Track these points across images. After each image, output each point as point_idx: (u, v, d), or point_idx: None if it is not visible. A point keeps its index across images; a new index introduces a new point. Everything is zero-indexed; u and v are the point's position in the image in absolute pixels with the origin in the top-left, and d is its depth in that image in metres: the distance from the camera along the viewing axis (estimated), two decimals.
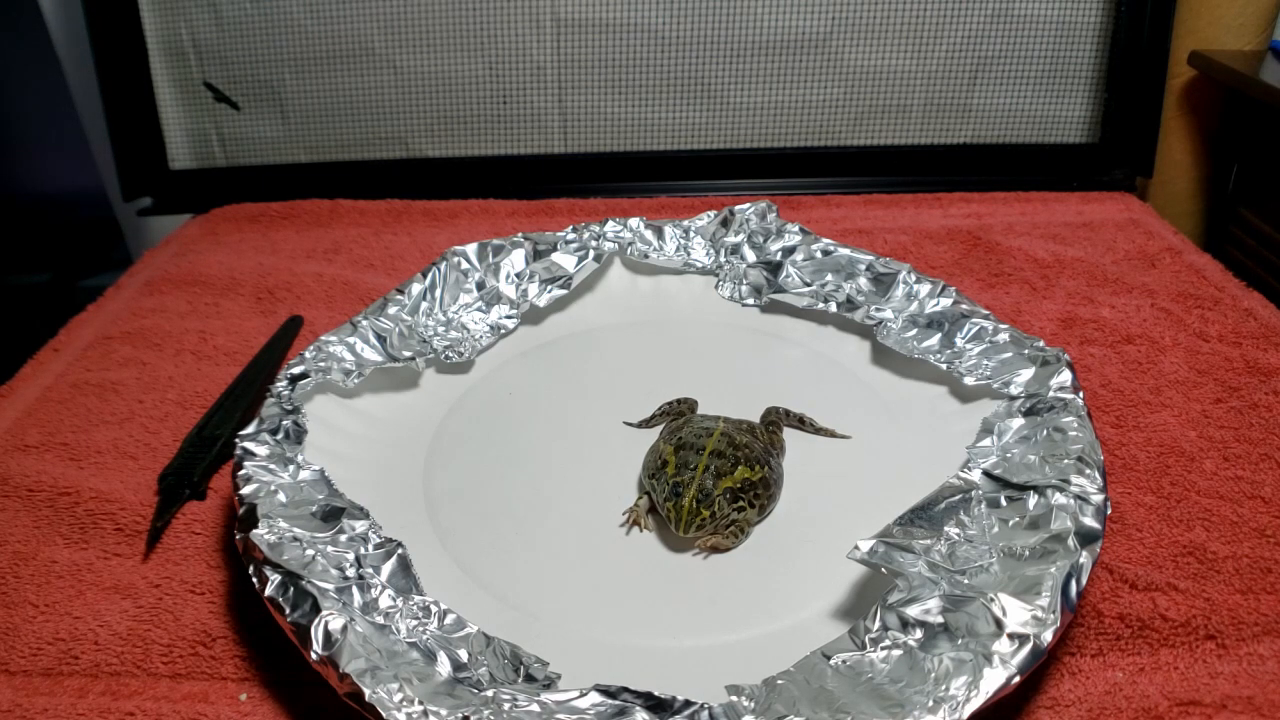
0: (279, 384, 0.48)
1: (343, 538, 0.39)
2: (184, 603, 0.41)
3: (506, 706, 0.32)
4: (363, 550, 0.39)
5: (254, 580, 0.36)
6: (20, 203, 0.86)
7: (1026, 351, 0.50)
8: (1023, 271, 0.68)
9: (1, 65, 0.84)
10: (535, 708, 0.32)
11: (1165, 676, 0.37)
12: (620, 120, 0.84)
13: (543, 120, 0.85)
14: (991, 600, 0.34)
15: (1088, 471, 0.40)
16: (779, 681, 0.34)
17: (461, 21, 0.81)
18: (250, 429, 0.44)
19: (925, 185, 0.83)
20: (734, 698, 0.32)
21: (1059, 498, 0.39)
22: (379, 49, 0.82)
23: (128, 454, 0.51)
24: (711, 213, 0.65)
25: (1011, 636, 0.33)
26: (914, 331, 0.55)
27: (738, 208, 0.65)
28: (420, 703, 0.31)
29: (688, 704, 0.32)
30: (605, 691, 0.32)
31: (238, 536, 0.39)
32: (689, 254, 0.64)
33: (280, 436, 0.45)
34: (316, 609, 0.34)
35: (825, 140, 0.85)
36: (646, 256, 0.63)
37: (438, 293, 0.58)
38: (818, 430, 0.51)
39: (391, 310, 0.56)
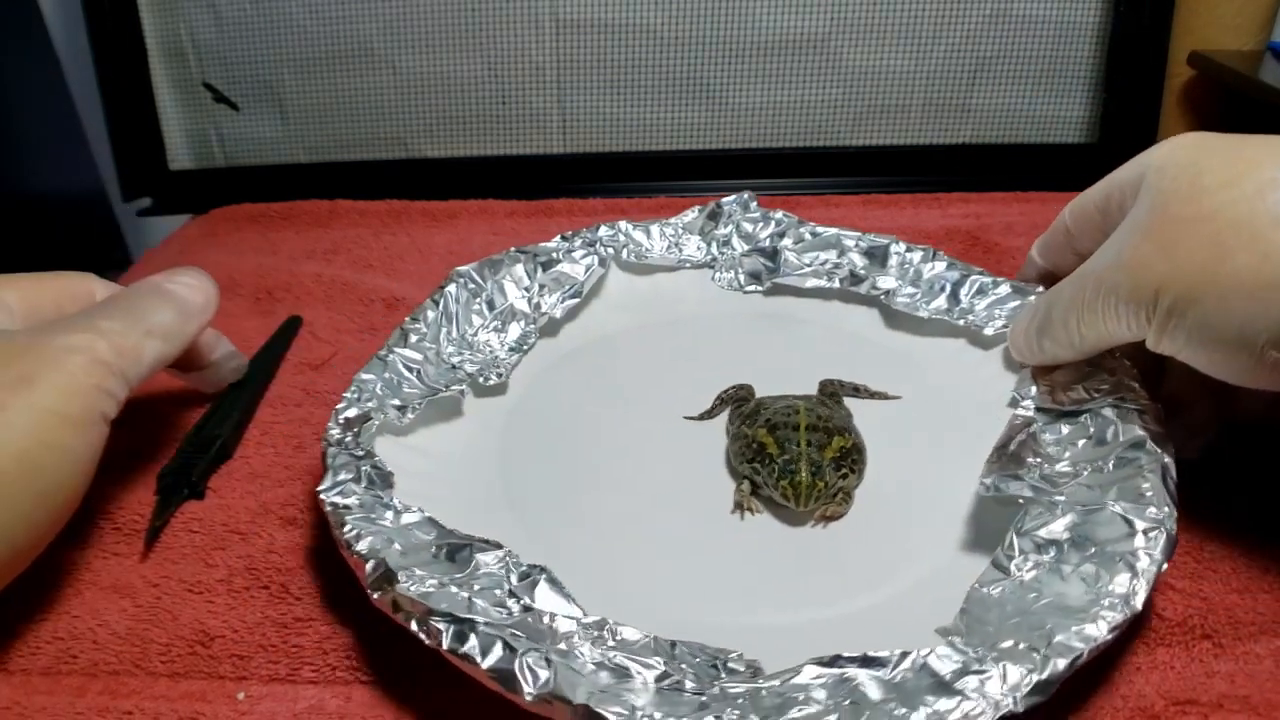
0: (332, 430, 0.44)
1: (480, 573, 0.37)
2: (182, 602, 0.42)
3: (744, 699, 0.31)
4: (512, 582, 0.36)
5: (422, 636, 0.34)
6: (20, 203, 0.86)
7: (1031, 298, 0.53)
8: None
9: (1, 65, 0.84)
10: (766, 695, 0.32)
11: (1161, 675, 0.37)
12: (620, 120, 0.84)
13: (542, 120, 0.85)
14: (1113, 504, 0.37)
15: (1132, 384, 0.43)
16: (964, 618, 0.35)
17: (461, 22, 0.81)
18: (326, 483, 0.41)
19: (924, 185, 0.83)
20: (948, 639, 0.33)
21: (1116, 413, 0.42)
22: (379, 49, 0.82)
23: (127, 453, 0.51)
24: (697, 208, 0.65)
25: (1145, 533, 0.36)
26: (920, 295, 0.57)
27: (723, 200, 0.65)
28: (648, 714, 0.30)
29: (904, 655, 0.32)
30: (821, 663, 0.32)
31: (376, 596, 0.36)
32: (681, 251, 0.64)
33: (364, 485, 0.41)
34: (511, 649, 0.32)
35: (825, 140, 0.85)
36: (642, 258, 0.63)
37: (453, 318, 0.56)
38: (872, 395, 0.53)
39: (413, 340, 0.53)
